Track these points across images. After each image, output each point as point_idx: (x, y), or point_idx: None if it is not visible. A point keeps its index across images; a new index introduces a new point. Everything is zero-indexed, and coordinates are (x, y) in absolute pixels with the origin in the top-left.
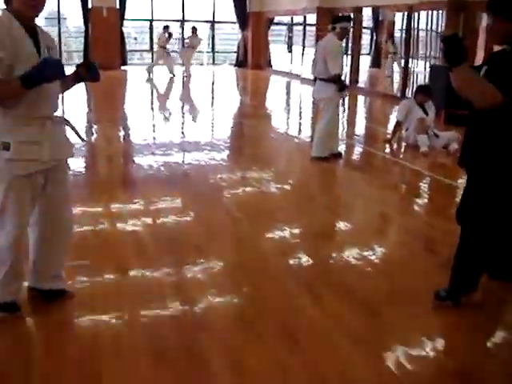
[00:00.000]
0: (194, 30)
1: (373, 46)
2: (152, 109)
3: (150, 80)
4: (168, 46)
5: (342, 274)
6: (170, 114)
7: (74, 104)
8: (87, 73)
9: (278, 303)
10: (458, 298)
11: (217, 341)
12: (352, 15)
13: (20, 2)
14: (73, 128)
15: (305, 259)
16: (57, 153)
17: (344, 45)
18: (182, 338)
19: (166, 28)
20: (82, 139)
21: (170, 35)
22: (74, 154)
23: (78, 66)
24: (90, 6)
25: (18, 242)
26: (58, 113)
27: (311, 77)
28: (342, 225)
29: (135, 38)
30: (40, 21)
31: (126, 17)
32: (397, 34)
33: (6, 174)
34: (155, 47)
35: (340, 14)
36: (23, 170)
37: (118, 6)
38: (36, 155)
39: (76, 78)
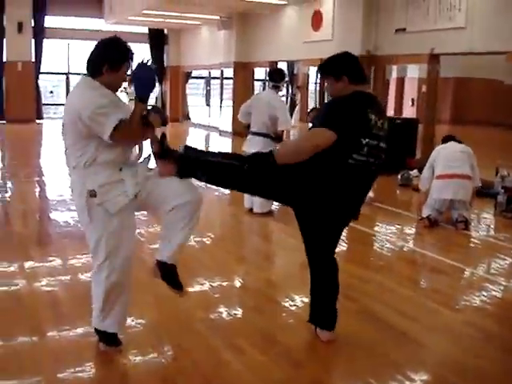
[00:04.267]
0: None
1: (288, 99)
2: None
3: None
4: None
5: (264, 326)
6: None
7: None
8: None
9: (201, 359)
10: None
11: None
12: (267, 69)
13: (116, 81)
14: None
15: (226, 313)
16: (139, 185)
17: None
18: None
19: None
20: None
21: None
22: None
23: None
24: (4, 59)
25: (125, 280)
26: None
27: (229, 129)
28: (262, 276)
29: (51, 92)
30: None
31: (41, 70)
32: (311, 87)
33: (98, 218)
34: None
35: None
36: (114, 207)
37: (33, 60)
38: (121, 190)
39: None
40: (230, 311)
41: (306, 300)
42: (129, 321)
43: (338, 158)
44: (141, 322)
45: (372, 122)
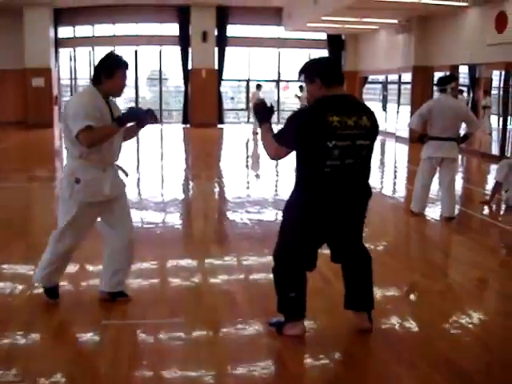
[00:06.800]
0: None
1: (469, 104)
2: (247, 166)
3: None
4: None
5: (438, 343)
6: (263, 172)
7: (172, 160)
8: (151, 119)
9: (371, 370)
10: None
11: None
12: (448, 73)
13: (114, 89)
14: (121, 169)
15: (398, 325)
16: (114, 190)
17: None
18: None
19: (259, 87)
20: (127, 174)
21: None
22: (124, 192)
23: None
24: (189, 67)
25: (70, 251)
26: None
27: (406, 135)
28: (436, 290)
29: (232, 98)
30: (142, 81)
31: (223, 77)
32: (494, 92)
33: (75, 201)
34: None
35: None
36: (87, 198)
37: (216, 67)
38: (98, 189)
39: (141, 123)
40: (402, 323)
41: (484, 318)
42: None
43: (314, 169)
44: (312, 325)
45: (334, 123)
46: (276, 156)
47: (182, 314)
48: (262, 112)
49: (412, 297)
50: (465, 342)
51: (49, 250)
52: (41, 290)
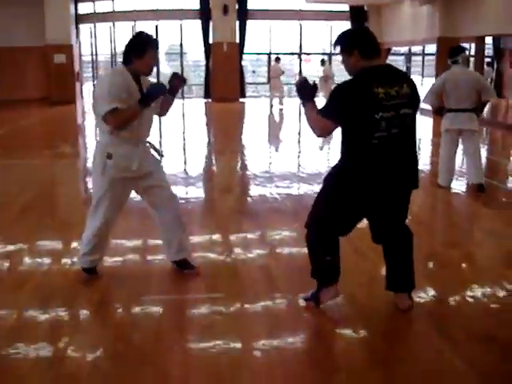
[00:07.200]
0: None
1: (493, 75)
2: (270, 141)
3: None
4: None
5: (479, 318)
6: (287, 146)
7: (194, 135)
8: (179, 82)
9: (411, 343)
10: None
11: (352, 380)
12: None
13: (143, 67)
14: (155, 149)
15: (433, 297)
16: (143, 166)
17: None
18: (314, 375)
19: (278, 59)
20: (162, 156)
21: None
22: (159, 168)
23: (170, 81)
24: (210, 41)
25: (105, 229)
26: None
27: (430, 107)
28: (466, 261)
29: (253, 71)
30: (161, 56)
31: (244, 50)
32: None
33: (107, 176)
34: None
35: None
36: (118, 173)
37: (237, 41)
38: (128, 165)
39: (172, 90)
40: (441, 297)
41: None
42: (339, 299)
43: (361, 141)
44: (351, 300)
45: (380, 95)
46: (324, 132)
47: (219, 288)
48: (306, 91)
49: (445, 268)
50: (505, 316)
51: (87, 227)
52: (78, 267)
